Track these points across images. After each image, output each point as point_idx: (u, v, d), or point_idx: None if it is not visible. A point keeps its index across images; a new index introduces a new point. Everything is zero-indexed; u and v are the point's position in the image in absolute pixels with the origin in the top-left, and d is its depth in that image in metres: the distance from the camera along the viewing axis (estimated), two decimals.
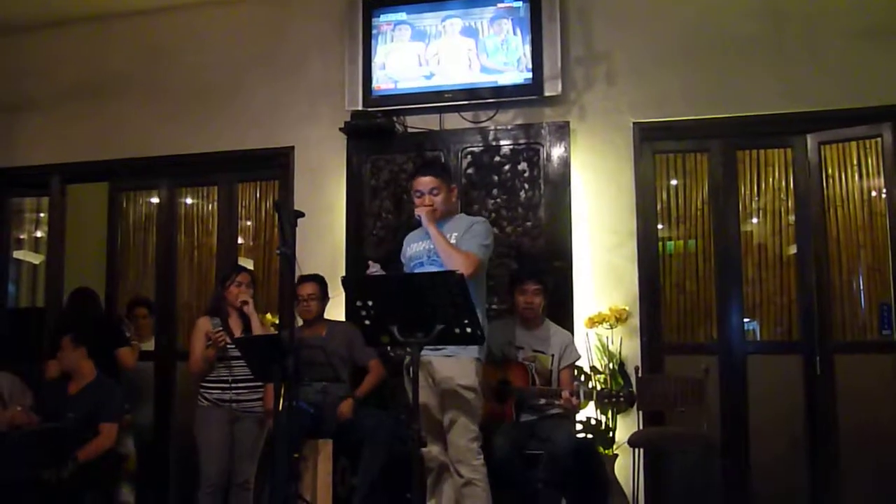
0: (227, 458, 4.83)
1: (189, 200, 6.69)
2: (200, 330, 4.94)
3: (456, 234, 4.11)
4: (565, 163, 5.53)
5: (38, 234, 7.47)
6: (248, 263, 6.61)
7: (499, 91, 5.66)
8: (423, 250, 4.15)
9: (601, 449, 5.08)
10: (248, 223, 6.66)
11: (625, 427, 5.18)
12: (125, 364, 5.53)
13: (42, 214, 7.30)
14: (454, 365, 3.91)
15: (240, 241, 6.63)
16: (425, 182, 4.18)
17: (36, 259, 7.43)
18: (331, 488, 4.87)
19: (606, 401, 4.63)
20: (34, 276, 7.46)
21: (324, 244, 5.81)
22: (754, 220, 5.76)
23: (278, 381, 4.43)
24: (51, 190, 6.71)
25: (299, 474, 4.74)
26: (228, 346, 4.83)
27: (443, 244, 4.01)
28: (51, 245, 6.77)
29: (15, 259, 7.27)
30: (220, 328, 4.87)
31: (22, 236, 7.49)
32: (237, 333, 4.88)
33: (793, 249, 5.57)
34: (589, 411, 5.16)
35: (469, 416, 3.89)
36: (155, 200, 6.64)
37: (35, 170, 6.70)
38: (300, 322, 5.26)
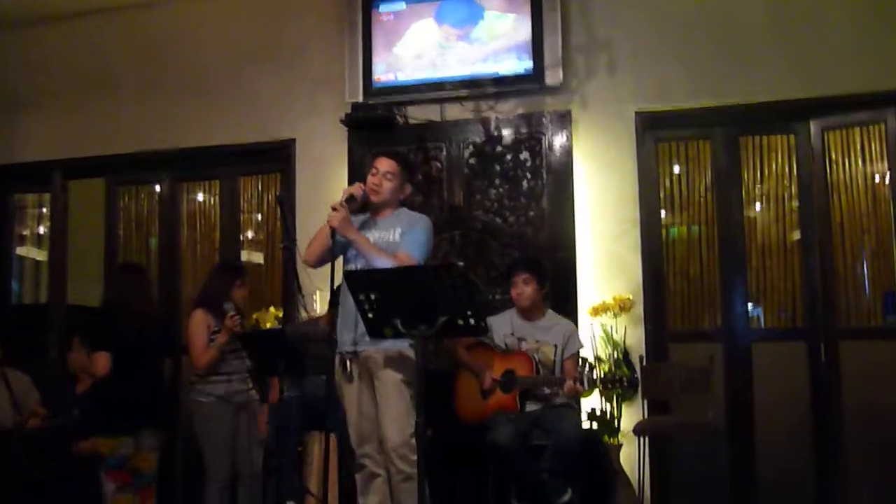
0: (234, 450, 4.83)
1: (191, 194, 6.69)
2: (200, 323, 4.84)
3: (400, 228, 4.06)
4: (567, 152, 5.51)
5: (41, 230, 7.46)
6: (258, 257, 6.63)
7: (500, 81, 5.64)
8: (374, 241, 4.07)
9: (606, 438, 5.09)
10: (251, 216, 6.65)
11: (630, 416, 5.18)
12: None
13: (44, 210, 7.29)
14: (394, 359, 3.89)
15: (250, 234, 6.63)
16: (385, 164, 4.12)
17: (39, 255, 7.43)
18: (337, 481, 4.88)
19: (610, 385, 4.62)
20: (37, 273, 7.46)
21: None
22: (758, 207, 5.74)
23: (281, 375, 4.45)
24: (52, 186, 6.70)
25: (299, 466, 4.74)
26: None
27: (373, 252, 3.92)
28: (53, 241, 6.78)
29: (18, 255, 7.28)
30: (235, 313, 4.79)
31: (25, 232, 7.48)
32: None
33: (796, 235, 5.56)
34: (594, 401, 5.16)
35: (407, 411, 3.84)
36: (156, 194, 6.64)
37: (36, 166, 6.69)
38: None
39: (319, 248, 4.07)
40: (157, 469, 4.85)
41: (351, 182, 5.74)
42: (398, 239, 4.03)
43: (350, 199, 4.01)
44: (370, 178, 4.14)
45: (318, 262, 4.12)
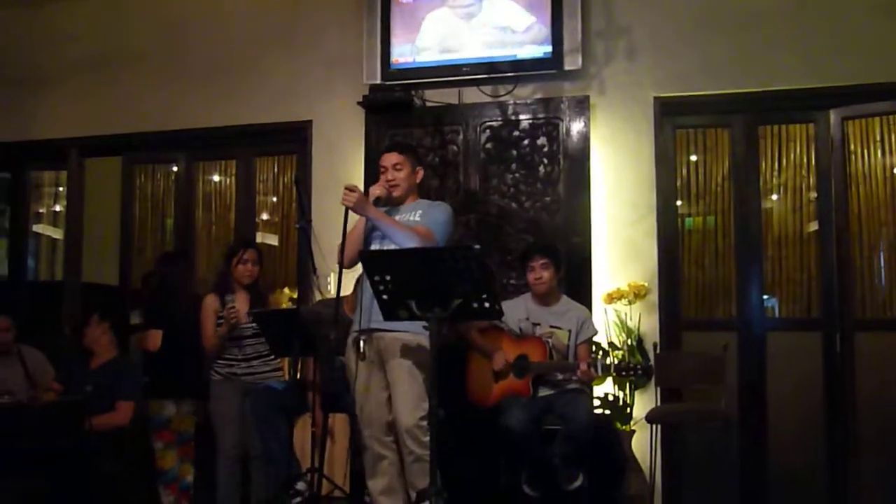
0: (243, 429, 4.88)
1: (207, 174, 6.69)
2: (209, 308, 4.95)
3: (420, 210, 4.13)
4: (585, 137, 5.49)
5: (58, 207, 7.49)
6: (272, 239, 6.63)
7: (518, 65, 5.61)
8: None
9: (618, 425, 5.08)
10: (267, 198, 6.66)
11: (642, 403, 5.17)
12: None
13: (61, 188, 7.32)
14: (407, 345, 3.90)
15: (265, 216, 6.64)
16: (388, 158, 4.21)
17: (56, 233, 7.46)
18: (346, 462, 4.90)
19: (624, 373, 4.61)
20: (53, 250, 7.49)
21: (342, 218, 5.78)
22: (775, 197, 5.70)
23: (295, 355, 4.46)
24: (69, 163, 6.73)
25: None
26: (242, 325, 4.84)
27: (394, 226, 3.98)
28: (69, 219, 6.80)
29: (34, 233, 7.31)
30: (233, 305, 4.86)
31: (41, 210, 7.51)
32: (243, 311, 4.88)
33: (814, 226, 5.52)
34: (607, 387, 5.15)
35: (419, 394, 3.87)
36: (173, 174, 6.65)
37: (53, 143, 6.71)
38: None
39: (354, 247, 4.06)
40: (193, 430, 5.14)
41: (367, 165, 5.75)
42: (418, 219, 4.08)
43: (377, 200, 4.06)
44: (383, 178, 4.19)
45: (355, 261, 4.08)
